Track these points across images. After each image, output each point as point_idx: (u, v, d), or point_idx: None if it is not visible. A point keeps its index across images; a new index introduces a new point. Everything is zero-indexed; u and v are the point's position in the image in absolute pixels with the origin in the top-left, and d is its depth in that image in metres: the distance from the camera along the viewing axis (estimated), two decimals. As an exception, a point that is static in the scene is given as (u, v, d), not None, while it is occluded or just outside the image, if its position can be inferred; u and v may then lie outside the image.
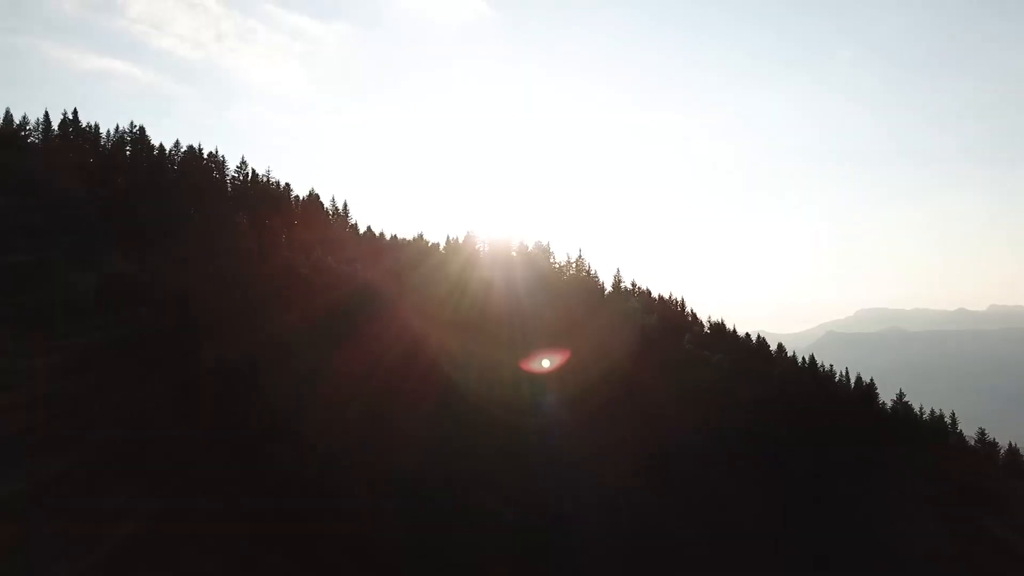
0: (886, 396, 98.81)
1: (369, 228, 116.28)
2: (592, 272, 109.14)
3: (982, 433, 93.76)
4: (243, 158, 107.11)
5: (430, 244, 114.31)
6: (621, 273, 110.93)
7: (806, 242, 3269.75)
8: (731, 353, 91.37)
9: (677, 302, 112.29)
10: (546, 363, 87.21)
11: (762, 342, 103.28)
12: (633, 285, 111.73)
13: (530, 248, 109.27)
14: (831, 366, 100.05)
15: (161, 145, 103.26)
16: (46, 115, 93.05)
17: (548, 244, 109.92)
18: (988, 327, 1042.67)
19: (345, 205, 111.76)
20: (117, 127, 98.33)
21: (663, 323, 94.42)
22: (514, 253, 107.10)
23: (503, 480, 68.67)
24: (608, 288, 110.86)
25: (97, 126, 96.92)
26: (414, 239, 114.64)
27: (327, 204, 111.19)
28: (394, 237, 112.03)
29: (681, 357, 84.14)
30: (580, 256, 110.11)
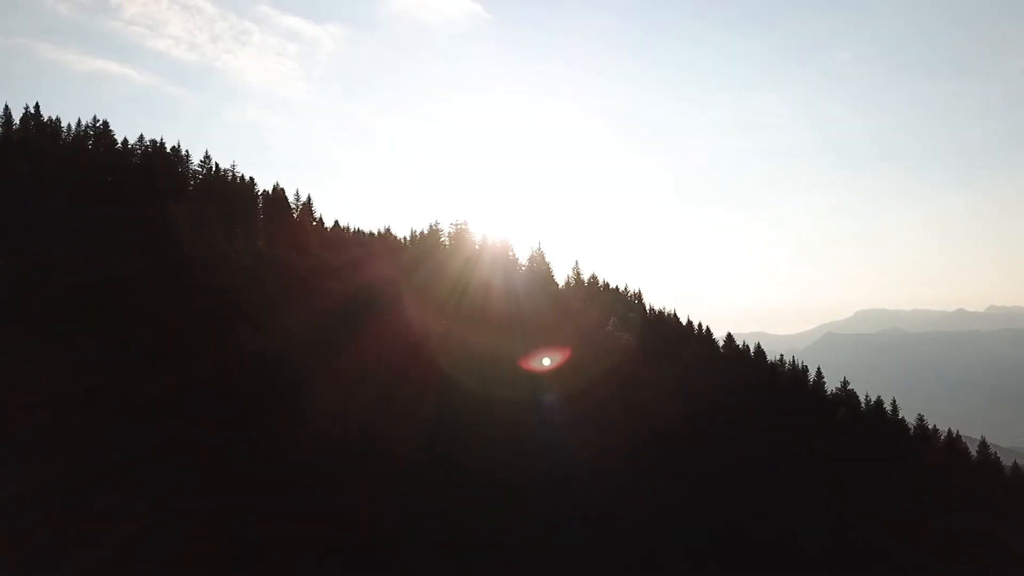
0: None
1: (336, 222, 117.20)
2: (549, 265, 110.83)
3: (921, 419, 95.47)
4: (207, 152, 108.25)
5: (392, 237, 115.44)
6: (580, 266, 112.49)
7: (805, 243, 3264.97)
8: (662, 340, 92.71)
9: (634, 294, 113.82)
10: (546, 361, 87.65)
11: (705, 331, 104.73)
12: (594, 277, 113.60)
13: (492, 241, 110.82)
14: (777, 355, 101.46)
15: (125, 139, 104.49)
16: (6, 109, 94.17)
17: (508, 238, 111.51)
18: (987, 328, 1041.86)
19: (309, 198, 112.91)
20: (79, 121, 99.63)
21: (602, 310, 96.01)
22: (477, 247, 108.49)
23: (504, 471, 68.82)
24: (569, 281, 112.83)
25: (58, 119, 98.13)
26: (379, 233, 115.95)
27: (291, 198, 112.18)
28: (358, 230, 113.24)
29: (601, 340, 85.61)
30: (539, 249, 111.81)
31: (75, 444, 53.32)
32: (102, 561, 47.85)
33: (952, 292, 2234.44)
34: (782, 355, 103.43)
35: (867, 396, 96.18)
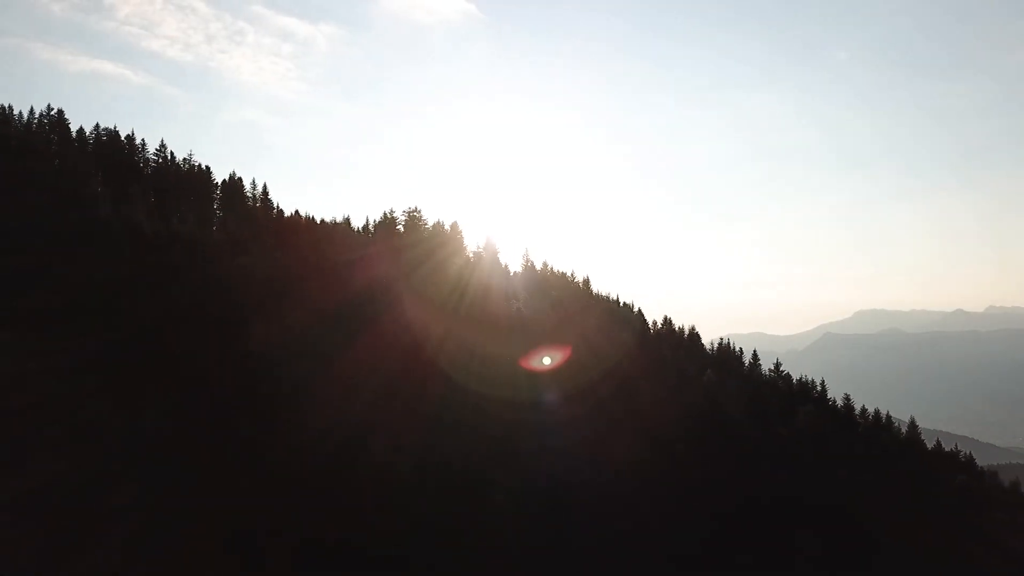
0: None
1: (296, 212, 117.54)
2: (497, 252, 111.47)
3: (847, 398, 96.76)
4: (162, 141, 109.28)
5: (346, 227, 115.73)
6: (530, 253, 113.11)
7: (804, 244, 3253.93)
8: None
9: (581, 281, 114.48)
10: (547, 360, 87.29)
11: (636, 311, 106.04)
12: (545, 265, 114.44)
13: (447, 229, 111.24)
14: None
15: (81, 128, 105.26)
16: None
17: (457, 224, 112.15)
18: (986, 328, 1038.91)
19: (265, 187, 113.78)
20: (32, 109, 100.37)
21: (529, 291, 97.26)
22: (426, 234, 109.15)
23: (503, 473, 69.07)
24: (519, 269, 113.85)
25: (10, 107, 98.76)
26: (335, 222, 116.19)
27: (248, 187, 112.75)
28: (311, 217, 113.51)
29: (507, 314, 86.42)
30: (489, 237, 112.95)
31: (75, 444, 53.50)
32: (102, 561, 47.92)
33: (951, 292, 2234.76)
34: (721, 338, 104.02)
35: (803, 378, 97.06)
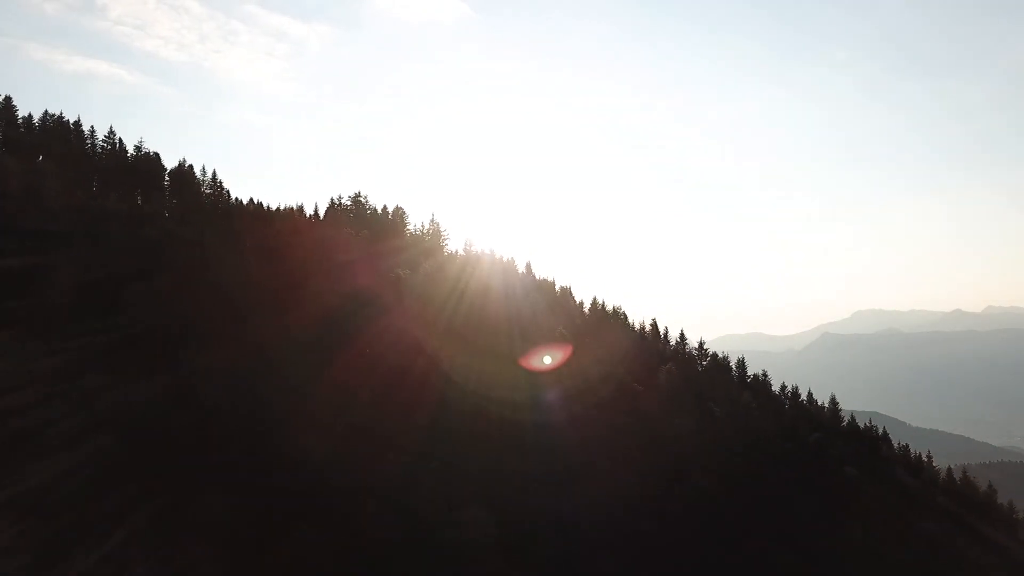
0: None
1: (252, 199, 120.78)
2: (441, 235, 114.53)
3: (764, 373, 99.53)
4: (111, 127, 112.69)
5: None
6: (470, 238, 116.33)
7: (803, 243, 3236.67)
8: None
9: (524, 267, 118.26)
10: (547, 360, 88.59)
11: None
12: (491, 251, 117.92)
13: (390, 214, 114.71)
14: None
15: (30, 115, 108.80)
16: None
17: (401, 208, 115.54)
18: (984, 328, 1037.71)
19: (215, 173, 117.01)
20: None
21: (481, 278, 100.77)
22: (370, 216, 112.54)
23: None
24: (460, 251, 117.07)
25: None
26: (282, 208, 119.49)
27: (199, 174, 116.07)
28: (260, 204, 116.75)
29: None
30: (433, 220, 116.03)
31: (75, 444, 54.11)
32: (102, 561, 48.20)
33: (950, 292, 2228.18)
34: (653, 319, 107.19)
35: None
